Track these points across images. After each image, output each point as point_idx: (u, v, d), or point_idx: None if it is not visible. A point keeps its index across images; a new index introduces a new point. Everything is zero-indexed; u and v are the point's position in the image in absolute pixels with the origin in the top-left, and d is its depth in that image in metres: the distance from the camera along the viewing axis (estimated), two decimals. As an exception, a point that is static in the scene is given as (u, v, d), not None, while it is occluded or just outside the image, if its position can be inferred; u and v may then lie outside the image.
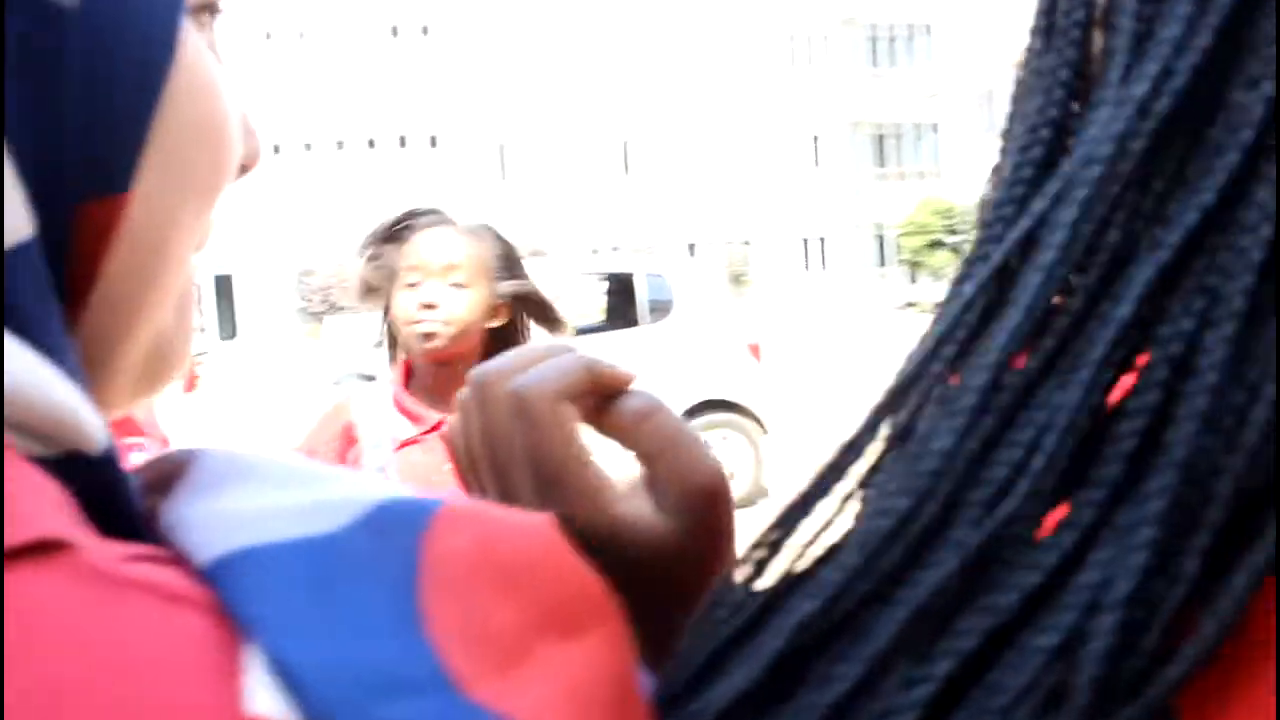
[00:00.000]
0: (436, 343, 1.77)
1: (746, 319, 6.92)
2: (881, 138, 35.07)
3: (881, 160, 35.20)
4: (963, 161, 31.21)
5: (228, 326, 30.45)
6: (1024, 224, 0.30)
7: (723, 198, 32.54)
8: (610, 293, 6.43)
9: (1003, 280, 0.31)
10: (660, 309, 6.71)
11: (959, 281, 0.32)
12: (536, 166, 31.54)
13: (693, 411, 6.58)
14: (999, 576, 0.28)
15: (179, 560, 0.26)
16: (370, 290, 1.85)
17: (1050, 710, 0.26)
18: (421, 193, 29.72)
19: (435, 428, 1.77)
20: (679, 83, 31.79)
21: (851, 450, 0.32)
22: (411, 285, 1.77)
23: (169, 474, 0.31)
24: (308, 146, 29.36)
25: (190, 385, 11.82)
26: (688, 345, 6.60)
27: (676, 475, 0.39)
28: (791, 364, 10.30)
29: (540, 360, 0.41)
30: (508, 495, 0.40)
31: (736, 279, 28.09)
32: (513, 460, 0.40)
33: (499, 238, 1.88)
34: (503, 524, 0.29)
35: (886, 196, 33.52)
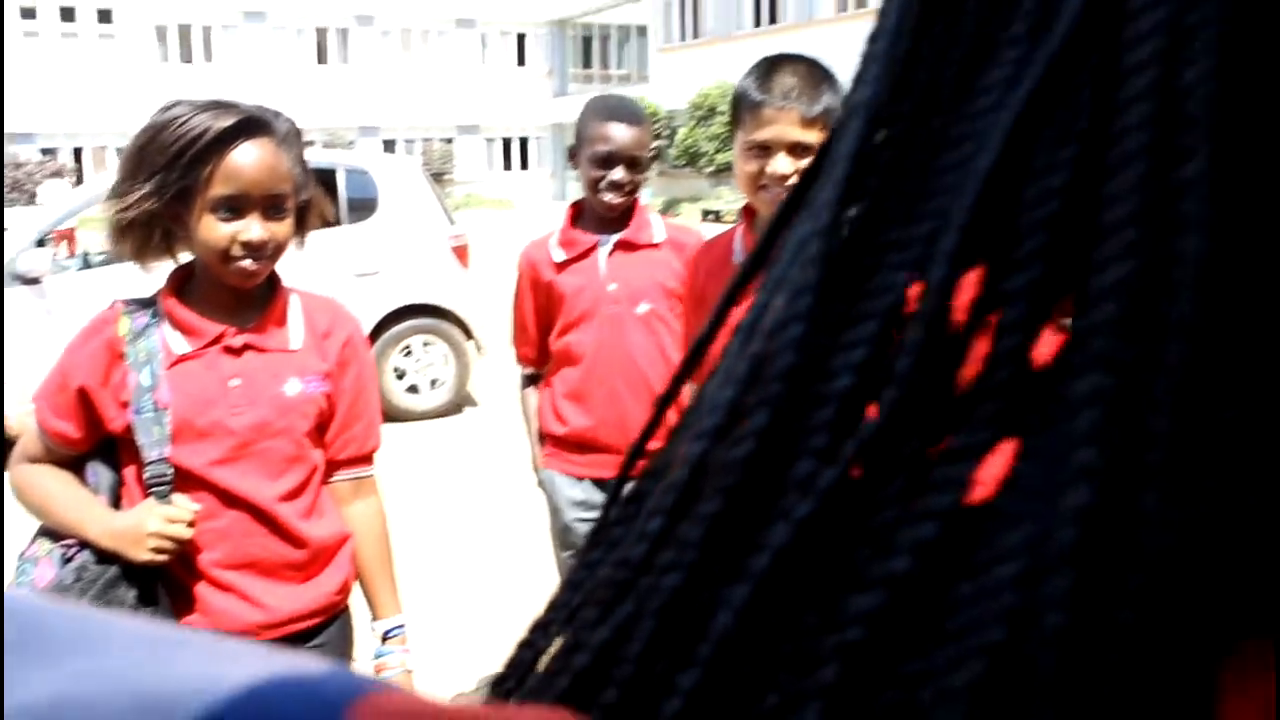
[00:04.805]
0: (259, 279, 1.61)
1: (452, 221, 6.69)
2: (588, 39, 34.98)
3: (587, 61, 35.16)
4: (668, 67, 31.66)
5: None
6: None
7: (423, 93, 31.59)
8: (307, 190, 6.01)
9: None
10: (363, 208, 6.38)
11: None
12: (224, 49, 29.40)
13: (396, 316, 6.35)
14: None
15: None
16: (151, 223, 1.57)
17: None
18: (91, 78, 27.08)
19: (217, 339, 1.62)
20: (378, -32, 30.36)
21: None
22: (227, 217, 1.55)
23: None
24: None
25: None
26: (392, 247, 6.32)
27: None
28: (496, 268, 10.16)
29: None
30: None
31: (437, 178, 27.48)
32: None
33: (301, 142, 1.66)
34: None
35: (590, 99, 33.48)
